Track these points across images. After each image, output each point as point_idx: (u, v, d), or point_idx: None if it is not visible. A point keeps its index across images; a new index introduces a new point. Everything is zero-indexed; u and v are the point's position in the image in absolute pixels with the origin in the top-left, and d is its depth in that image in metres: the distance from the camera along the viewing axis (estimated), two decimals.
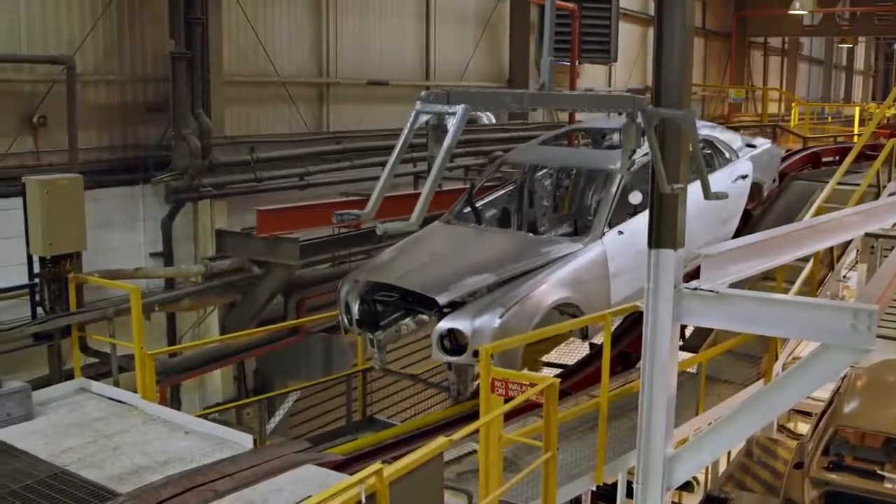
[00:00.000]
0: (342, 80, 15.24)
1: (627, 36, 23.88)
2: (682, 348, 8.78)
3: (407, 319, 8.58)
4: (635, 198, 8.96)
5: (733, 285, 6.69)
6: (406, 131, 6.03)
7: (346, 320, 8.66)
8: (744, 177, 10.54)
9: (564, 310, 8.25)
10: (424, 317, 8.38)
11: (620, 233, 8.75)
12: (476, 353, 7.39)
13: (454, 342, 7.86)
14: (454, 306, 7.90)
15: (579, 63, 20.26)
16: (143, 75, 11.85)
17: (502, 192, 10.19)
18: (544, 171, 10.44)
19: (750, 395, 8.56)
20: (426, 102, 5.91)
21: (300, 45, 14.49)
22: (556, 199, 10.55)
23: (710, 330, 9.56)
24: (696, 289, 6.48)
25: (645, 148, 9.14)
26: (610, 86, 24.13)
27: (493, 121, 16.91)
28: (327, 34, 14.91)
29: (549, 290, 8.03)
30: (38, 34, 10.59)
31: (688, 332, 10.14)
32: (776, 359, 9.68)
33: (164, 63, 11.73)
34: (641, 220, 8.83)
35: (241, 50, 13.32)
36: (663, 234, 6.60)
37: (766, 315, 6.35)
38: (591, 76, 22.95)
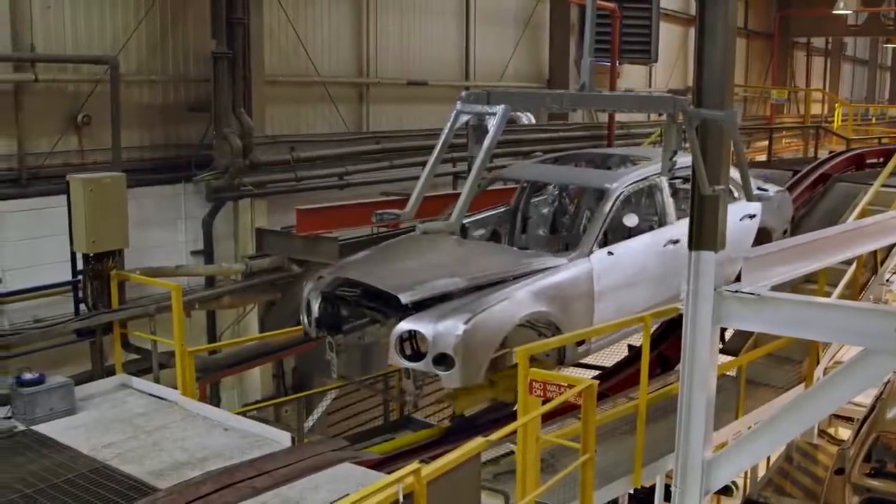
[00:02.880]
0: (382, 80, 15.28)
1: (668, 36, 23.69)
2: (721, 351, 8.70)
3: (373, 326, 8.04)
4: (630, 220, 8.60)
5: (774, 288, 6.63)
6: (446, 131, 6.03)
7: (306, 321, 8.11)
8: (751, 216, 9.90)
9: (543, 330, 7.76)
10: (391, 321, 7.59)
11: (610, 253, 8.24)
12: (436, 361, 7.00)
13: (415, 347, 7.34)
14: (421, 310, 7.28)
15: (619, 63, 20.13)
16: (186, 75, 11.97)
17: (493, 211, 9.74)
18: (540, 196, 10.00)
19: (790, 399, 8.48)
20: (467, 103, 5.92)
21: (340, 46, 14.55)
22: (550, 218, 10.02)
23: (751, 332, 9.47)
24: (736, 291, 6.42)
25: (643, 167, 9.03)
26: (650, 86, 23.97)
27: (533, 121, 16.80)
28: (367, 34, 14.96)
29: (523, 300, 7.43)
30: (83, 35, 10.74)
31: (727, 335, 10.05)
32: (818, 363, 9.57)
33: (205, 63, 11.83)
34: (633, 244, 8.53)
35: (282, 50, 13.40)
36: (704, 235, 6.55)
37: (808, 319, 6.29)
38: (632, 77, 22.80)
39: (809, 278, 9.39)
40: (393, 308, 7.41)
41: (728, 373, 8.70)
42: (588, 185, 9.48)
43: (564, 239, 9.65)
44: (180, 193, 11.77)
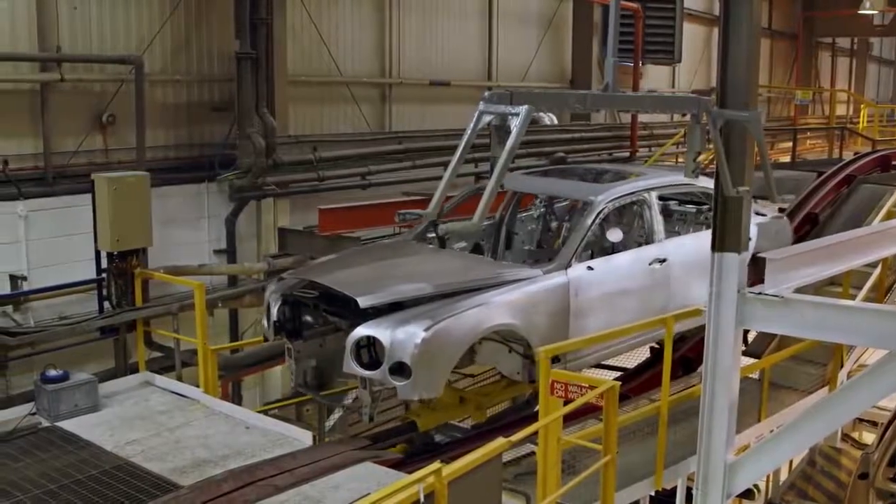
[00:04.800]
0: (404, 80, 15.30)
1: (692, 36, 23.60)
2: (744, 353, 8.65)
3: (336, 334, 7.60)
4: (614, 235, 8.29)
5: (798, 290, 6.58)
6: (469, 131, 6.05)
7: (265, 324, 7.77)
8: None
9: (513, 346, 7.40)
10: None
11: (590, 268, 7.83)
12: (392, 371, 6.57)
13: (373, 355, 6.89)
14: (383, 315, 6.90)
15: (643, 64, 20.08)
16: (209, 75, 12.03)
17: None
18: (526, 210, 9.72)
19: (814, 402, 8.42)
20: (489, 103, 5.92)
21: (363, 46, 14.58)
22: (535, 232, 9.69)
23: (774, 335, 9.40)
24: (760, 293, 6.38)
25: (632, 182, 8.89)
26: (673, 87, 23.88)
27: (555, 122, 16.82)
28: (390, 34, 14.99)
29: (489, 311, 6.99)
30: (109, 35, 10.82)
31: (750, 337, 9.99)
32: (842, 366, 9.49)
33: (229, 63, 11.90)
34: (617, 260, 8.24)
35: (305, 50, 13.44)
36: (727, 236, 6.50)
37: (832, 321, 6.22)
38: (655, 77, 22.74)
39: (834, 281, 9.31)
40: (353, 313, 7.00)
41: (751, 375, 8.65)
42: (573, 197, 9.17)
43: (546, 253, 9.22)
44: (203, 193, 11.84)
